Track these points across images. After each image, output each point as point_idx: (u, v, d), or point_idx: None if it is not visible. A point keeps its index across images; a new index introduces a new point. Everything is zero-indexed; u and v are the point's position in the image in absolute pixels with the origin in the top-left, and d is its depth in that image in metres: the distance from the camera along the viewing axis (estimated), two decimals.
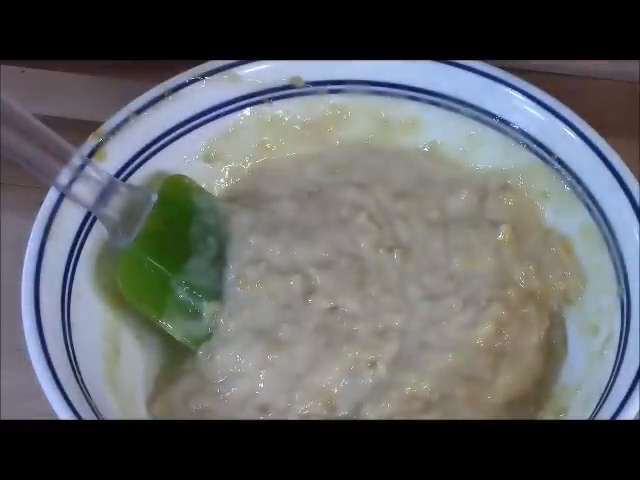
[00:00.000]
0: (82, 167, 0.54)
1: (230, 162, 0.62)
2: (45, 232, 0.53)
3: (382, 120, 0.63)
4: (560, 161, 0.58)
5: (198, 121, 0.60)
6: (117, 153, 0.57)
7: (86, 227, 0.55)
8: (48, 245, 0.53)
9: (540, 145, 0.59)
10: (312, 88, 0.62)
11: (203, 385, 0.55)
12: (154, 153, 0.59)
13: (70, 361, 0.51)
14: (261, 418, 0.53)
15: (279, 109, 0.62)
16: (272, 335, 0.55)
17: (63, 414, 0.48)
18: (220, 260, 0.57)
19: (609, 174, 0.56)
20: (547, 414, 0.54)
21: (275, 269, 0.57)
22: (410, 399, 0.54)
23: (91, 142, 0.56)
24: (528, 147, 0.60)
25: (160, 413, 0.54)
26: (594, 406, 0.50)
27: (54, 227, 0.54)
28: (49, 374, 0.49)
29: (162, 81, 0.59)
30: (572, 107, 0.58)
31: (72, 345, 0.52)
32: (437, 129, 0.62)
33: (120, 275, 0.55)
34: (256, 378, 0.54)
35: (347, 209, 0.60)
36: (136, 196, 0.56)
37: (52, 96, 0.71)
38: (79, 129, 0.57)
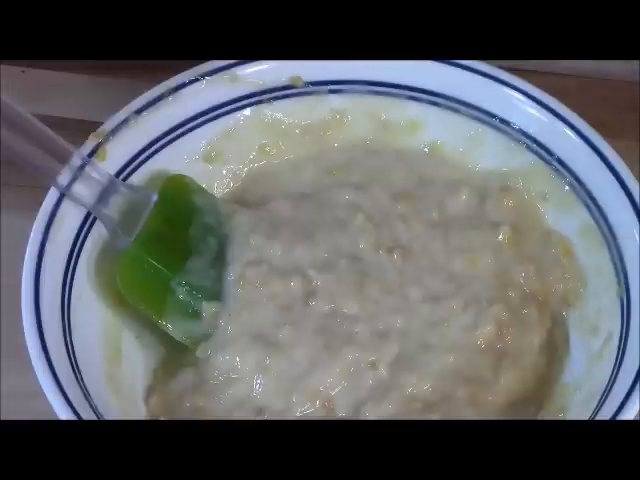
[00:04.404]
0: (82, 167, 0.54)
1: (230, 162, 0.62)
2: (45, 232, 0.53)
3: (382, 121, 0.63)
4: (560, 161, 0.58)
5: (198, 121, 0.60)
6: (117, 153, 0.57)
7: (86, 227, 0.55)
8: (48, 245, 0.53)
9: (540, 145, 0.59)
10: (312, 88, 0.62)
11: (200, 384, 0.54)
12: (154, 153, 0.59)
13: (70, 361, 0.51)
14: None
15: (279, 110, 0.62)
16: (271, 338, 0.55)
17: (63, 414, 0.47)
18: (220, 260, 0.57)
19: (609, 174, 0.56)
20: (547, 414, 0.54)
21: (275, 270, 0.56)
22: (411, 400, 0.53)
23: (91, 142, 0.56)
24: (528, 147, 0.60)
25: (156, 408, 0.54)
26: (594, 406, 0.50)
27: (54, 227, 0.54)
28: (49, 374, 0.49)
29: (162, 81, 0.59)
30: (572, 107, 0.58)
31: (72, 345, 0.52)
32: (437, 129, 0.62)
33: (120, 275, 0.55)
34: (253, 382, 0.54)
35: (344, 210, 0.59)
36: (136, 196, 0.56)
37: (52, 96, 0.71)
38: (79, 129, 0.57)
